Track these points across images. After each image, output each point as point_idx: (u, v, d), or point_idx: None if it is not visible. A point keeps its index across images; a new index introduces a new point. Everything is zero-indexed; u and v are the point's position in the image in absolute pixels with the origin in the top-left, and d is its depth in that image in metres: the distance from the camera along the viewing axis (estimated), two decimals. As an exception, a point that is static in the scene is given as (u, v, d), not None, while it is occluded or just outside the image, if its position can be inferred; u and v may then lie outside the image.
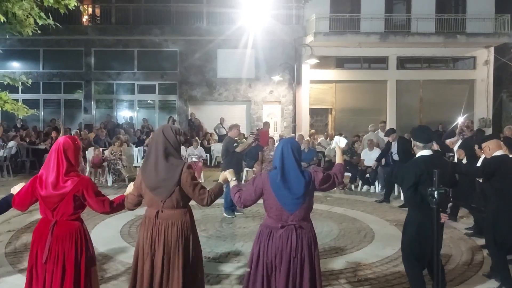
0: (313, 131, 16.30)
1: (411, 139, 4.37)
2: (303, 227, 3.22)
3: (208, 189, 3.36)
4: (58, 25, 8.90)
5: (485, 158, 5.06)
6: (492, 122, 18.28)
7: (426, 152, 3.99)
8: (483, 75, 19.14)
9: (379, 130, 12.86)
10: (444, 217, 3.65)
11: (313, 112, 19.04)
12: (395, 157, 9.39)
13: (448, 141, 9.09)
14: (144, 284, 3.23)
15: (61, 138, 3.30)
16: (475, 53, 18.97)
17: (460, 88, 19.19)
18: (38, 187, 3.17)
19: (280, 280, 3.16)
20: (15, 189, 3.33)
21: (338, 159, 3.68)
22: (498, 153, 4.72)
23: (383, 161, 10.08)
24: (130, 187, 3.49)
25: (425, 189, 3.26)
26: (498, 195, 4.59)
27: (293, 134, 15.50)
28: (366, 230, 6.88)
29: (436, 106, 18.71)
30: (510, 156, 4.92)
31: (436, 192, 2.48)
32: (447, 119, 16.67)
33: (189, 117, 18.15)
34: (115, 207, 3.36)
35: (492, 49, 18.87)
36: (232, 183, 3.48)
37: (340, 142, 3.92)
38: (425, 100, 19.24)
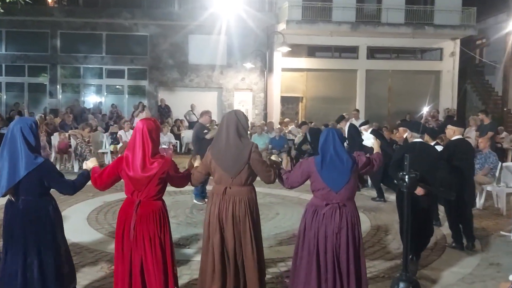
0: (287, 119, 16.35)
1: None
2: (346, 205, 3.47)
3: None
4: (27, 0, 8.54)
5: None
6: (457, 112, 18.85)
7: (419, 140, 4.99)
8: (449, 66, 19.66)
9: (353, 119, 13.08)
10: (420, 191, 4.27)
11: (284, 100, 19.13)
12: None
13: (361, 128, 9.37)
14: (215, 255, 3.48)
15: (143, 121, 3.41)
16: (442, 44, 19.45)
17: (427, 78, 19.67)
18: (125, 168, 3.30)
19: (327, 255, 3.39)
20: (88, 164, 3.52)
21: (376, 149, 4.09)
22: (456, 137, 5.60)
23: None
24: (195, 162, 3.74)
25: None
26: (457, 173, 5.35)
27: (263, 122, 15.56)
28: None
29: (404, 96, 19.13)
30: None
31: (407, 176, 2.56)
32: (414, 109, 17.11)
33: (159, 103, 17.89)
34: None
35: (458, 41, 19.39)
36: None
37: (365, 132, 4.35)
38: (393, 90, 19.63)
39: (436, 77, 19.89)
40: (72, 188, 3.46)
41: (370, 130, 9.01)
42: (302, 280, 3.46)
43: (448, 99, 19.74)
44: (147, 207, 3.33)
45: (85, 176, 3.51)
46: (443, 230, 6.23)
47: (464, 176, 5.46)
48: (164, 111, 17.32)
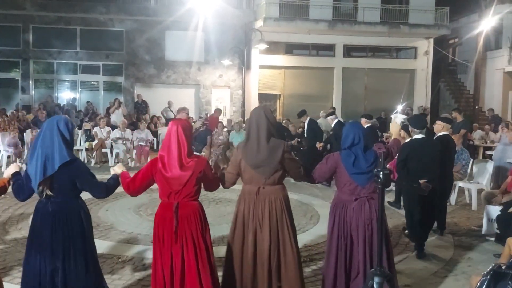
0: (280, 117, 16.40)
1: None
2: (373, 198, 3.58)
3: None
4: None
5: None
6: (430, 110, 19.26)
7: (419, 136, 5.23)
8: (423, 65, 20.05)
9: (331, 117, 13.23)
10: (424, 185, 4.76)
11: (262, 97, 19.15)
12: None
13: (329, 118, 10.19)
14: (248, 255, 3.44)
15: (176, 121, 3.39)
16: (416, 43, 19.81)
17: (402, 76, 20.03)
18: (162, 169, 3.23)
19: (358, 246, 3.53)
20: (116, 170, 3.46)
21: (394, 135, 4.23)
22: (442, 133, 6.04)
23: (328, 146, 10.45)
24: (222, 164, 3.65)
25: (412, 164, 4.96)
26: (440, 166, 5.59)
27: (240, 119, 15.55)
28: (312, 213, 7.08)
29: (380, 94, 19.42)
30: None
31: (381, 173, 2.60)
32: (390, 107, 17.36)
33: (136, 99, 17.64)
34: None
35: (432, 40, 19.79)
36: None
37: (396, 118, 4.43)
38: (369, 88, 19.89)
39: (411, 76, 20.27)
40: (105, 191, 3.33)
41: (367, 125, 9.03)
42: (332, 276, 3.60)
43: (422, 97, 20.14)
44: (187, 208, 3.28)
45: (115, 179, 3.41)
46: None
47: (446, 170, 5.82)
48: (141, 107, 17.09)
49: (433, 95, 20.65)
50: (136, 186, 3.34)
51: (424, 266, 4.94)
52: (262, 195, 3.47)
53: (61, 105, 17.17)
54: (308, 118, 10.44)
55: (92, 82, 18.86)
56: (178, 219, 3.23)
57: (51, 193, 3.12)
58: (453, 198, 7.97)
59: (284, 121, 14.11)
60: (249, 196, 3.51)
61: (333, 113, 10.69)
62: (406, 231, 5.72)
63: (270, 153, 3.46)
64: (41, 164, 3.06)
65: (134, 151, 11.75)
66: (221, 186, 3.66)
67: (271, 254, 3.43)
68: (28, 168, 3.13)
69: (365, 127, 9.07)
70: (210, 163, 11.38)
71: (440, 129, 5.98)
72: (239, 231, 3.52)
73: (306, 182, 3.90)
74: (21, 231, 5.85)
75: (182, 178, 3.22)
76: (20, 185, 3.22)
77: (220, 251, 5.24)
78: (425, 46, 19.88)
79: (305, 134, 10.66)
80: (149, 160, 11.27)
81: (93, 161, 11.61)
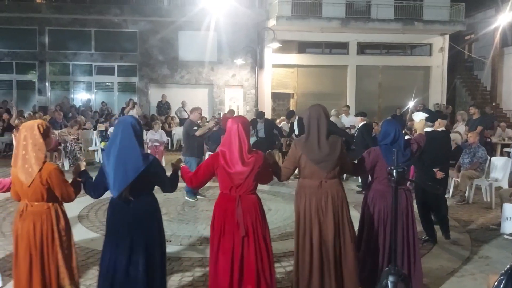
0: (283, 117, 16.33)
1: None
2: (408, 189, 4.06)
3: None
4: None
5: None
6: (446, 107, 18.99)
7: (430, 129, 5.56)
8: (438, 61, 19.79)
9: (343, 115, 13.14)
10: (439, 174, 5.42)
11: (275, 96, 19.14)
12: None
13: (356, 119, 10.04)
14: (315, 246, 3.60)
15: (236, 118, 3.52)
16: (431, 40, 19.56)
17: (417, 74, 19.81)
18: (225, 165, 3.37)
19: (397, 232, 3.60)
20: (176, 165, 3.64)
21: (419, 130, 4.56)
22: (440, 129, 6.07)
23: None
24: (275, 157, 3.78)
25: (426, 156, 5.16)
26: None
27: (254, 118, 15.52)
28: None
29: (394, 91, 19.23)
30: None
31: (395, 171, 2.57)
32: (404, 104, 17.19)
33: (160, 99, 17.57)
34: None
35: (447, 36, 19.52)
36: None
37: (416, 116, 4.76)
38: (383, 85, 19.72)
39: (426, 73, 20.02)
40: (175, 186, 3.48)
41: (362, 123, 9.07)
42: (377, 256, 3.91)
43: (438, 94, 19.89)
44: (247, 201, 3.42)
45: (176, 175, 3.55)
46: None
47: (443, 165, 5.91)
48: (163, 108, 17.17)
49: (449, 92, 20.37)
50: (199, 180, 3.54)
51: (440, 265, 4.88)
52: (324, 188, 3.65)
53: (77, 106, 17.40)
54: (298, 118, 10.21)
55: (107, 83, 19.06)
56: (242, 212, 3.37)
57: (131, 197, 3.18)
58: (470, 196, 7.86)
59: (277, 120, 14.29)
60: (310, 190, 3.67)
61: (363, 114, 10.46)
62: (426, 237, 5.61)
63: (331, 149, 3.65)
64: (123, 171, 3.09)
65: (149, 151, 11.82)
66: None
67: (335, 243, 3.63)
68: (108, 172, 3.13)
69: (360, 125, 9.16)
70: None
71: (437, 125, 5.91)
72: (303, 224, 3.67)
73: (351, 175, 4.21)
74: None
75: (244, 173, 3.36)
76: (93, 183, 3.32)
77: (177, 250, 5.24)
78: (440, 43, 19.62)
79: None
80: (163, 160, 11.43)
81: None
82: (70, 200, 3.31)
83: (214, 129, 9.06)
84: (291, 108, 19.20)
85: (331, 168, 3.65)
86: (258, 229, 3.42)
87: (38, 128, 3.19)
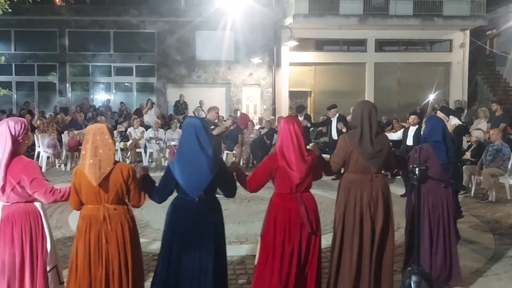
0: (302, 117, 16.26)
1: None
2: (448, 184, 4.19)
3: None
4: None
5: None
6: (467, 104, 18.64)
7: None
8: (459, 57, 19.42)
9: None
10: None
11: (293, 95, 19.05)
12: (334, 134, 10.02)
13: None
14: (365, 237, 3.67)
15: (290, 120, 3.51)
16: (451, 35, 19.21)
17: (437, 70, 19.47)
18: (285, 165, 3.37)
19: (424, 231, 3.95)
20: (232, 167, 3.58)
21: (450, 129, 4.75)
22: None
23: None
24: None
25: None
26: None
27: (272, 117, 15.52)
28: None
29: (414, 88, 18.94)
30: None
31: (417, 169, 2.53)
32: (424, 101, 16.94)
33: (178, 98, 17.65)
34: None
35: (468, 32, 19.13)
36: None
37: (453, 120, 5.15)
38: (403, 82, 19.45)
39: (446, 69, 19.67)
40: (236, 190, 3.47)
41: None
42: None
43: (459, 91, 19.52)
44: (307, 199, 3.47)
45: (234, 178, 3.55)
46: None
47: None
48: (181, 107, 17.28)
49: (470, 89, 19.97)
50: (257, 183, 3.52)
51: (463, 265, 4.77)
52: (375, 183, 3.72)
53: (96, 106, 17.63)
54: (338, 114, 10.26)
55: (126, 84, 19.28)
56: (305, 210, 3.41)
57: (205, 197, 3.21)
58: (493, 194, 7.70)
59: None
60: (360, 185, 3.72)
61: (334, 106, 10.52)
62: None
63: (382, 145, 3.72)
64: (200, 172, 3.11)
65: (167, 151, 11.92)
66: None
67: (382, 236, 3.69)
68: (180, 174, 3.15)
69: (331, 116, 9.65)
70: (241, 161, 11.45)
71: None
72: (352, 218, 3.70)
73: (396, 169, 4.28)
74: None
75: (305, 172, 3.39)
76: (158, 188, 3.32)
77: (254, 249, 5.25)
78: (461, 38, 19.24)
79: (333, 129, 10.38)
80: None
81: (128, 161, 11.86)
82: (138, 204, 3.28)
83: (231, 128, 9.07)
84: (308, 107, 19.16)
85: (381, 164, 3.73)
86: (318, 226, 3.51)
87: (108, 129, 3.22)
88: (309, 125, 11.28)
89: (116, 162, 3.17)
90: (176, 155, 3.30)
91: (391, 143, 3.91)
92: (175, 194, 3.39)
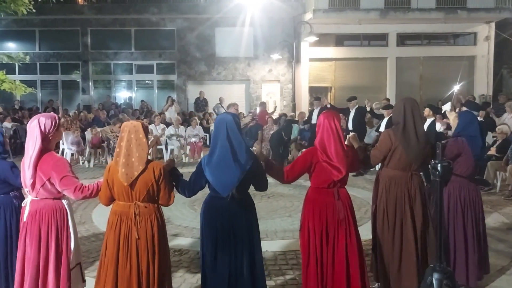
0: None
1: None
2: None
3: None
4: None
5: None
6: (493, 98, 18.18)
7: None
8: (483, 51, 18.96)
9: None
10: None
11: (313, 91, 18.91)
12: (350, 125, 10.04)
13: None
14: (409, 233, 3.68)
15: (329, 114, 3.50)
16: (475, 28, 18.76)
17: (460, 64, 19.02)
18: (326, 159, 3.39)
19: (445, 228, 3.90)
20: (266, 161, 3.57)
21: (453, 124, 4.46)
22: None
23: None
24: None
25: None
26: None
27: (292, 113, 15.46)
28: (367, 207, 6.91)
29: (436, 83, 18.59)
30: None
31: (439, 165, 2.48)
32: (447, 96, 16.62)
33: (198, 95, 17.77)
34: None
35: (493, 24, 18.64)
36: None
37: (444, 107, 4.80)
38: (425, 77, 19.11)
39: (470, 63, 19.22)
40: (267, 183, 3.42)
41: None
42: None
43: (483, 85, 19.06)
44: (343, 194, 3.49)
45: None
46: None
47: None
48: (201, 104, 17.39)
49: (495, 83, 19.48)
50: (294, 175, 3.52)
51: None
52: (414, 179, 3.73)
53: (118, 104, 17.88)
54: (357, 106, 10.33)
55: (147, 81, 19.50)
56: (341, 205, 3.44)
57: (237, 195, 3.19)
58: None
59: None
60: (400, 180, 3.73)
61: (354, 97, 10.47)
62: None
63: (425, 140, 3.71)
64: (232, 169, 3.08)
65: (188, 147, 12.02)
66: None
67: (422, 231, 3.71)
68: (212, 171, 3.13)
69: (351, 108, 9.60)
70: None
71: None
72: (393, 213, 3.72)
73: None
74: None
75: (344, 168, 3.39)
76: (188, 183, 3.30)
77: (273, 245, 5.27)
78: (486, 31, 18.76)
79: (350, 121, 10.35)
80: (202, 155, 11.58)
81: (149, 158, 11.97)
82: (168, 203, 3.26)
83: (251, 124, 9.09)
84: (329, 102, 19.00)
85: (420, 161, 3.71)
86: (355, 221, 3.51)
87: (143, 127, 3.21)
88: (328, 105, 11.33)
89: (148, 161, 3.18)
90: (208, 152, 3.27)
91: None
92: (207, 191, 3.36)
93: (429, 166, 2.58)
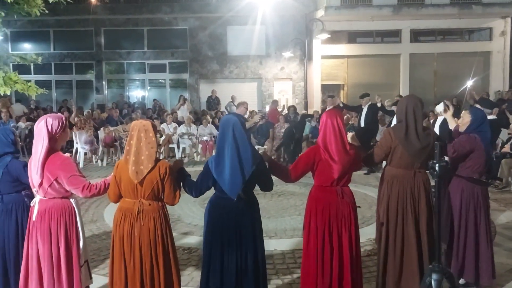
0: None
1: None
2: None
3: None
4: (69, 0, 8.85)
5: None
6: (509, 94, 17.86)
7: (491, 116, 5.73)
8: (499, 46, 18.64)
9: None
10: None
11: (325, 88, 18.83)
12: (363, 122, 9.94)
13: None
14: (409, 234, 3.68)
15: (332, 113, 3.52)
16: (491, 24, 18.44)
17: (475, 60, 18.73)
18: (328, 158, 3.40)
19: (443, 228, 3.89)
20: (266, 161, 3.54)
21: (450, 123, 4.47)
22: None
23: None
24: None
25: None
26: None
27: (304, 111, 15.42)
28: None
29: (451, 79, 18.34)
30: None
31: (437, 165, 2.46)
32: (462, 93, 16.38)
33: (210, 94, 17.84)
34: None
35: (509, 19, 18.30)
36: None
37: (437, 108, 4.75)
38: (439, 74, 18.88)
39: (486, 59, 18.91)
40: (273, 183, 3.41)
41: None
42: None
43: (499, 81, 18.74)
44: (346, 193, 3.50)
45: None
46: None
47: None
48: (213, 103, 17.45)
49: (511, 79, 19.14)
50: (297, 173, 3.52)
51: (499, 262, 4.61)
52: (417, 178, 3.72)
53: (131, 103, 18.04)
54: (370, 103, 10.23)
55: (160, 80, 19.64)
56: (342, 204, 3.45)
57: (244, 195, 3.21)
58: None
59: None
60: (403, 179, 3.73)
61: (367, 94, 10.36)
62: None
63: (427, 141, 3.67)
64: (239, 171, 3.10)
65: (200, 146, 12.08)
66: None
67: (427, 228, 3.70)
68: (219, 173, 3.14)
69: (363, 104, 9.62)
70: (272, 157, 11.43)
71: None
72: (395, 213, 3.72)
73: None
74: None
75: (346, 166, 3.40)
76: (195, 183, 3.31)
77: (282, 244, 5.28)
78: (502, 26, 18.44)
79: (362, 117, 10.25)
80: (214, 153, 11.63)
81: (161, 156, 12.09)
82: (173, 202, 3.28)
83: (260, 123, 9.08)
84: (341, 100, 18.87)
85: (425, 159, 3.67)
86: (357, 220, 3.52)
87: (152, 126, 3.26)
88: (341, 104, 11.23)
89: (157, 160, 3.22)
90: (215, 153, 3.29)
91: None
92: (212, 190, 3.37)
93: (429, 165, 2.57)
